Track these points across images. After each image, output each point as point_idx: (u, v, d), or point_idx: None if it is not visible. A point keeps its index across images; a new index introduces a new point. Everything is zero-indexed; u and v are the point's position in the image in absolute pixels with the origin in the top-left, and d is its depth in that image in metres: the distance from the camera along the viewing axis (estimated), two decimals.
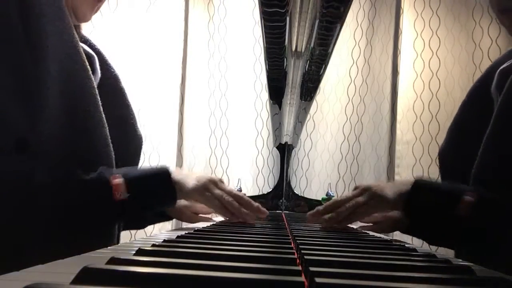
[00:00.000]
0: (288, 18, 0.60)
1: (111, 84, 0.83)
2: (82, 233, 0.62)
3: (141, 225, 0.97)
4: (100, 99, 0.76)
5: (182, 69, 1.61)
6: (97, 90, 0.68)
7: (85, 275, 0.24)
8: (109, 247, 0.43)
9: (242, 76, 1.70)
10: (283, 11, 0.58)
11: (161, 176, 0.69)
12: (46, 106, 0.59)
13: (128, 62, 1.57)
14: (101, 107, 0.68)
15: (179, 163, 1.63)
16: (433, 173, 1.56)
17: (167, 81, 1.60)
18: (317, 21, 0.61)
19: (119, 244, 0.46)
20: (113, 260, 0.29)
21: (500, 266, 0.40)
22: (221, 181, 0.76)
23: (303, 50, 0.71)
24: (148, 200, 0.69)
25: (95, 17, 1.56)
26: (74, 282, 0.24)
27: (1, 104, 0.56)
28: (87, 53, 0.77)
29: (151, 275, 0.25)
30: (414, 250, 0.47)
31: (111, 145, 0.69)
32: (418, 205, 0.70)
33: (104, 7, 1.58)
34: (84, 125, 0.64)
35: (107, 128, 0.68)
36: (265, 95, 1.67)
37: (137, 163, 0.86)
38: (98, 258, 0.36)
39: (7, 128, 0.56)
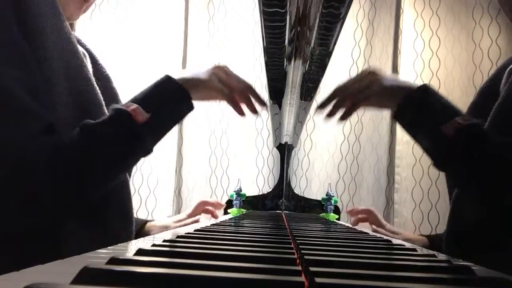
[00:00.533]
0: (288, 18, 0.60)
1: (102, 85, 0.82)
2: (119, 167, 0.63)
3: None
4: None
5: (182, 69, 1.61)
6: (97, 88, 0.68)
7: (85, 275, 0.24)
8: (109, 247, 0.43)
9: (242, 76, 1.69)
10: (283, 11, 0.58)
11: (166, 83, 0.70)
12: (58, 104, 0.59)
13: (128, 62, 1.57)
14: (103, 101, 0.68)
15: (179, 163, 1.63)
16: (433, 173, 1.56)
17: None
18: (317, 21, 0.61)
19: (119, 244, 0.46)
20: (113, 260, 0.29)
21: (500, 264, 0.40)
22: (226, 67, 0.78)
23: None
24: (167, 109, 0.69)
25: (95, 17, 1.56)
26: (74, 282, 0.24)
27: (21, 100, 0.55)
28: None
29: (151, 275, 0.25)
30: (414, 250, 0.47)
31: None
32: (412, 107, 0.68)
33: (104, 7, 1.58)
34: (95, 119, 0.64)
35: None
36: (265, 95, 1.67)
37: None
38: (98, 258, 0.36)
39: (32, 116, 0.56)
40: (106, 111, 0.67)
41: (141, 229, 0.94)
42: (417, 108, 0.68)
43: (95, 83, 0.67)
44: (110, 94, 0.84)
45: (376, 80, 0.72)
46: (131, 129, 0.62)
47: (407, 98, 0.68)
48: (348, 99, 0.74)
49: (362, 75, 0.75)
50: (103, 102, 0.68)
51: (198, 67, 0.75)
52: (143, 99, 0.66)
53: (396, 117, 0.72)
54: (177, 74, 0.71)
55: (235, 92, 0.74)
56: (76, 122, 0.61)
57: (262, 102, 0.78)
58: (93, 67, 0.81)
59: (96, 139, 0.61)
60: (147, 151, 0.68)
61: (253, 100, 0.79)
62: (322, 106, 0.78)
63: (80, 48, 0.79)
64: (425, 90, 0.68)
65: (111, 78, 0.85)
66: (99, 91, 0.68)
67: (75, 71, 0.64)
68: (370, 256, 0.38)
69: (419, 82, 1.55)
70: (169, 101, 0.69)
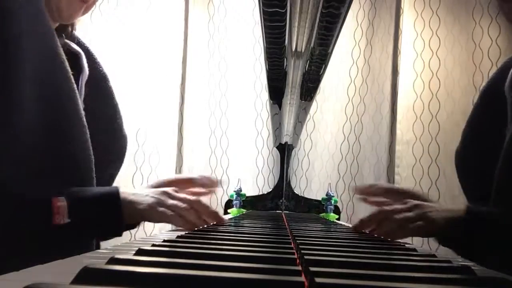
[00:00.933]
0: (288, 18, 0.60)
1: (98, 84, 0.81)
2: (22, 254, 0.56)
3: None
4: (87, 99, 0.73)
5: (182, 69, 1.61)
6: (77, 91, 0.65)
7: (85, 275, 0.24)
8: (109, 247, 0.43)
9: (242, 76, 1.70)
10: (283, 11, 0.58)
11: (108, 199, 0.64)
12: (20, 110, 0.57)
13: (128, 62, 1.57)
14: (81, 110, 0.65)
15: (179, 163, 1.63)
16: (433, 173, 1.56)
17: (167, 81, 1.60)
18: (317, 21, 0.61)
19: (119, 244, 0.46)
20: (113, 260, 0.29)
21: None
22: (174, 190, 0.71)
23: (303, 50, 0.71)
24: (90, 224, 0.64)
25: (95, 17, 1.56)
26: (74, 282, 0.24)
27: None
28: (72, 51, 0.76)
29: (151, 275, 0.25)
30: (414, 250, 0.47)
31: (90, 149, 0.66)
32: (471, 239, 0.63)
33: (104, 7, 1.58)
34: (61, 129, 0.62)
35: (88, 132, 0.66)
36: (265, 95, 1.67)
37: (120, 163, 0.84)
38: (98, 258, 0.36)
39: None
40: (82, 120, 0.64)
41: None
42: (474, 241, 0.64)
43: (74, 91, 0.64)
44: (106, 93, 0.82)
45: (423, 214, 0.66)
46: (45, 225, 0.58)
47: (462, 235, 0.64)
48: (391, 228, 0.67)
49: (406, 208, 0.67)
50: (80, 112, 0.64)
51: (146, 191, 0.70)
52: (78, 201, 0.61)
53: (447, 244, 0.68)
54: (123, 193, 0.65)
55: (181, 213, 0.67)
56: (36, 132, 0.58)
57: (218, 217, 0.72)
58: (90, 66, 0.79)
59: (17, 214, 0.57)
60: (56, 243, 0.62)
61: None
62: (359, 227, 0.72)
63: (75, 47, 0.77)
64: (473, 218, 0.64)
65: (108, 77, 0.83)
66: (76, 101, 0.64)
67: (50, 78, 0.61)
68: (370, 256, 0.38)
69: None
70: (98, 221, 0.64)
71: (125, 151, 0.85)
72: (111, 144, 0.81)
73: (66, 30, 0.78)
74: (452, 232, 0.65)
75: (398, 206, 0.69)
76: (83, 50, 0.80)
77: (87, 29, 1.57)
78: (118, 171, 0.84)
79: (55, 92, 0.62)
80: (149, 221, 0.70)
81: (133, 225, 0.77)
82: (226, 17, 1.70)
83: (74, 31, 0.81)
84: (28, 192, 0.57)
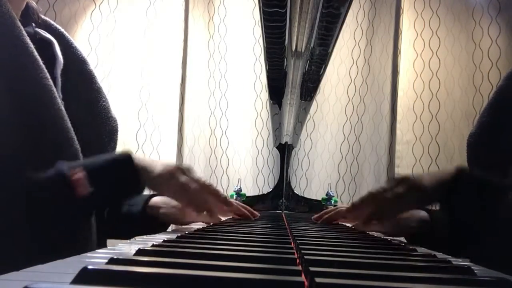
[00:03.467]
0: (288, 18, 0.60)
1: (77, 68, 0.79)
2: (49, 238, 0.58)
3: (129, 234, 0.89)
4: (66, 85, 0.71)
5: (182, 69, 1.61)
6: (50, 80, 0.64)
7: (85, 275, 0.24)
8: (109, 247, 0.43)
9: (242, 76, 1.70)
10: (283, 11, 0.58)
11: (124, 164, 0.65)
12: None
13: (128, 62, 1.57)
14: (58, 99, 0.64)
15: (179, 163, 1.63)
16: None
17: (167, 81, 1.60)
18: (317, 21, 0.61)
19: (119, 244, 0.46)
20: (113, 260, 0.29)
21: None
22: (189, 170, 0.71)
23: (303, 50, 0.71)
24: (113, 189, 0.65)
25: (95, 17, 1.57)
26: (74, 282, 0.24)
27: None
28: (44, 39, 0.74)
29: (151, 275, 0.25)
30: (414, 250, 0.47)
31: (74, 137, 0.65)
32: (460, 197, 0.64)
33: (104, 7, 1.58)
34: (38, 121, 0.61)
35: (68, 120, 0.64)
36: (265, 95, 1.67)
37: (113, 147, 0.83)
38: (98, 258, 0.36)
39: None
40: (59, 109, 0.63)
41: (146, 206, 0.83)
42: (464, 200, 0.65)
43: (47, 79, 0.62)
44: (87, 77, 0.81)
45: (411, 186, 0.67)
46: (67, 198, 0.59)
47: (450, 194, 0.65)
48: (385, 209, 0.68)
49: (393, 185, 0.69)
50: (56, 100, 0.63)
51: (160, 161, 0.69)
52: (93, 171, 0.61)
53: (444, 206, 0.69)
54: (136, 158, 0.66)
55: (190, 192, 0.68)
56: (11, 125, 0.57)
57: (227, 202, 0.73)
58: (66, 51, 0.77)
59: (35, 195, 0.57)
60: (87, 213, 0.65)
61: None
62: (350, 210, 0.74)
63: (46, 35, 0.75)
64: (462, 177, 0.65)
65: (87, 61, 0.82)
66: (51, 89, 0.63)
67: (18, 67, 0.60)
68: (370, 256, 0.38)
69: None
70: (119, 185, 0.65)
71: (116, 132, 0.84)
72: (100, 127, 0.80)
73: (33, 18, 0.75)
74: (444, 191, 0.65)
75: (386, 186, 0.70)
76: (57, 36, 0.78)
77: (87, 29, 1.57)
78: (114, 152, 0.83)
79: (26, 83, 0.61)
80: (155, 191, 0.71)
81: (164, 225, 0.77)
82: (226, 17, 1.70)
83: (40, 17, 0.79)
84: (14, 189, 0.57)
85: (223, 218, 0.77)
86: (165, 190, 0.70)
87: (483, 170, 0.74)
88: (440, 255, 0.44)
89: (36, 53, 0.62)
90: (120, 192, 0.67)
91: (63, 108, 0.64)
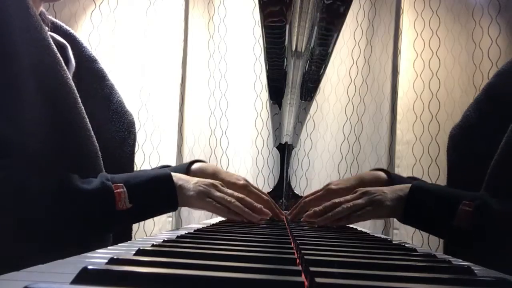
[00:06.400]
0: (288, 18, 0.60)
1: (88, 67, 0.82)
2: (79, 242, 0.60)
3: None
4: (79, 84, 0.73)
5: (182, 69, 1.61)
6: (72, 81, 0.66)
7: (85, 275, 0.24)
8: (109, 247, 0.43)
9: (242, 76, 1.70)
10: (283, 11, 0.58)
11: (164, 183, 0.69)
12: (24, 103, 0.57)
13: (128, 62, 1.57)
14: (79, 98, 0.66)
15: (179, 162, 1.63)
16: (433, 173, 1.56)
17: (167, 81, 1.60)
18: (317, 21, 0.61)
19: (119, 244, 0.46)
20: (113, 260, 0.29)
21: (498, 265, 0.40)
22: (221, 184, 0.76)
23: (303, 50, 0.71)
24: (150, 208, 0.69)
25: (95, 17, 1.56)
26: (74, 282, 0.24)
27: None
28: (58, 43, 0.76)
29: (151, 275, 0.25)
30: (414, 250, 0.47)
31: (93, 136, 0.67)
32: (415, 214, 0.70)
33: (104, 7, 1.58)
34: (66, 119, 0.63)
35: (87, 120, 0.67)
36: (265, 95, 1.67)
37: (134, 138, 0.85)
38: (98, 258, 0.36)
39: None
40: (81, 108, 0.65)
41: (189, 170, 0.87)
42: (418, 216, 0.71)
43: (70, 80, 0.65)
44: (99, 74, 0.83)
45: (371, 199, 0.73)
46: (109, 212, 0.62)
47: (405, 212, 0.71)
48: (340, 216, 0.74)
49: (356, 196, 0.75)
50: (78, 99, 0.65)
51: (194, 179, 0.73)
52: (134, 187, 0.64)
53: (404, 222, 0.74)
54: (174, 176, 0.70)
55: (228, 205, 0.72)
56: (43, 124, 0.59)
57: (263, 212, 0.77)
58: (77, 50, 0.79)
59: (75, 204, 0.60)
60: (119, 228, 0.69)
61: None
62: (312, 216, 0.77)
63: (59, 39, 0.77)
64: (416, 193, 0.70)
65: (97, 59, 0.84)
66: (74, 89, 0.65)
67: (46, 68, 0.61)
68: (370, 256, 0.38)
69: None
70: (157, 202, 0.69)
71: (133, 125, 0.86)
72: (118, 122, 0.82)
73: (46, 21, 0.77)
74: (400, 210, 0.71)
75: (347, 197, 0.76)
76: (67, 37, 0.79)
77: (87, 29, 1.57)
78: (135, 144, 0.86)
79: (54, 82, 0.62)
80: (193, 207, 0.75)
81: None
82: (226, 17, 1.70)
83: (52, 20, 0.79)
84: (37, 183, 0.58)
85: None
86: (203, 207, 0.74)
87: (461, 162, 0.78)
88: (440, 255, 0.44)
89: (59, 55, 0.64)
90: (156, 209, 0.71)
91: (83, 109, 0.66)
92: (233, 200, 0.73)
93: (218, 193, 0.72)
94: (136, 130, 0.89)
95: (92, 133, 0.67)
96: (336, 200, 0.76)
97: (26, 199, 0.55)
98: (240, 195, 0.76)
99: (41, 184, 0.57)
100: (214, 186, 0.73)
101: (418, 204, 0.70)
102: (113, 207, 0.61)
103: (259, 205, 0.77)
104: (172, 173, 0.70)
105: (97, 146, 0.68)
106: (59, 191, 0.58)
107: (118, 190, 0.62)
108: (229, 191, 0.75)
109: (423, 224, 0.72)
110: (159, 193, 0.68)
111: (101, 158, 0.68)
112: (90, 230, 0.63)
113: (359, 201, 0.74)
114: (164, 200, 0.69)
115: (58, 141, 0.61)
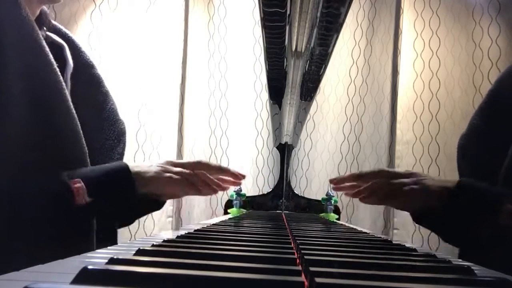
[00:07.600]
0: (288, 18, 0.60)
1: (85, 72, 0.82)
2: (48, 241, 0.59)
3: (131, 219, 0.90)
4: (75, 89, 0.73)
5: (182, 69, 1.61)
6: (64, 84, 0.66)
7: (85, 275, 0.24)
8: (109, 247, 0.43)
9: (242, 76, 1.70)
10: (283, 11, 0.58)
11: (120, 172, 0.69)
12: (7, 104, 0.57)
13: (128, 62, 1.57)
14: (69, 101, 0.66)
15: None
16: (433, 173, 1.56)
17: (167, 81, 1.60)
18: (317, 21, 0.61)
19: (119, 244, 0.46)
20: (113, 260, 0.29)
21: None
22: (177, 161, 0.77)
23: (303, 50, 0.71)
24: (111, 198, 0.68)
25: (95, 17, 1.56)
26: (74, 282, 0.24)
27: None
28: (55, 43, 0.76)
29: (151, 275, 0.25)
30: (414, 250, 0.47)
31: (82, 140, 0.67)
32: (461, 204, 0.67)
33: (104, 7, 1.58)
34: (50, 122, 0.63)
35: (78, 123, 0.67)
36: (265, 95, 1.67)
37: (122, 148, 0.85)
38: (98, 258, 0.36)
39: None
40: (72, 111, 0.66)
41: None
42: (464, 207, 0.67)
43: (60, 83, 0.65)
44: (94, 80, 0.83)
45: (419, 180, 0.71)
46: (68, 208, 0.62)
47: (453, 199, 0.68)
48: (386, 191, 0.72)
49: (403, 173, 0.74)
50: (69, 102, 0.65)
51: (150, 162, 0.75)
52: (92, 180, 0.64)
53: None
54: (131, 165, 0.70)
55: (187, 177, 0.73)
56: (25, 125, 0.59)
57: (230, 172, 0.79)
58: (75, 55, 0.79)
59: (40, 202, 0.60)
60: (85, 223, 0.68)
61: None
62: (354, 178, 0.77)
63: (57, 39, 0.77)
64: (465, 186, 0.68)
65: (94, 65, 0.84)
66: (63, 92, 0.65)
67: (35, 71, 0.62)
68: (370, 256, 0.38)
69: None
70: (116, 190, 0.69)
71: (123, 134, 0.86)
72: (108, 130, 0.82)
73: (45, 22, 0.77)
74: (443, 201, 0.68)
75: (396, 171, 0.74)
76: (66, 40, 0.79)
77: (87, 29, 1.57)
78: (123, 153, 0.86)
79: (41, 85, 0.62)
80: (155, 189, 0.73)
81: (158, 203, 0.79)
82: (226, 17, 1.70)
83: (52, 22, 0.80)
84: (22, 187, 0.58)
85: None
86: (165, 185, 0.73)
87: (472, 171, 0.76)
88: (440, 255, 0.44)
89: (51, 56, 0.64)
90: (117, 199, 0.70)
91: (73, 111, 0.66)
92: (192, 172, 0.73)
93: (175, 168, 0.73)
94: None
95: (82, 138, 0.67)
96: (384, 169, 0.75)
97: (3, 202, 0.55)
98: (197, 161, 0.78)
99: (14, 180, 0.57)
100: (170, 162, 0.74)
101: (466, 194, 0.67)
102: (71, 202, 0.61)
103: (224, 166, 0.80)
104: (129, 163, 0.70)
105: (86, 151, 0.68)
106: (18, 193, 0.58)
107: (76, 185, 0.62)
108: (186, 162, 0.76)
109: (465, 216, 0.67)
110: (116, 182, 0.68)
111: (89, 163, 0.68)
112: (54, 229, 0.61)
113: (406, 179, 0.71)
114: (123, 188, 0.69)
115: (45, 144, 0.61)
